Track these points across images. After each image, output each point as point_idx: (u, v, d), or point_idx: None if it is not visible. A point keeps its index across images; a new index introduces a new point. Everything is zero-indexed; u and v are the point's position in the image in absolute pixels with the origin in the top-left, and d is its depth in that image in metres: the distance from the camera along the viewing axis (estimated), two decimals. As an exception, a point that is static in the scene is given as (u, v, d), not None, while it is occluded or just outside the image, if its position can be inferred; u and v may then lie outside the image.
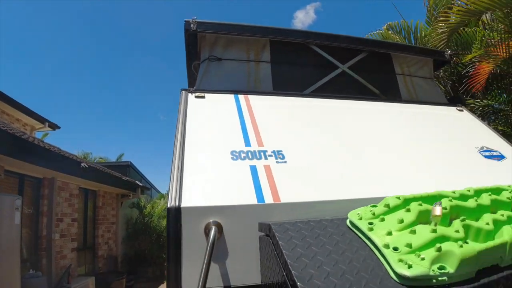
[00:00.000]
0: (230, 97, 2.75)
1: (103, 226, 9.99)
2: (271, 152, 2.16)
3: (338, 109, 2.89)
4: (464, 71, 5.17)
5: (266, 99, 2.82)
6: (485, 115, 5.38)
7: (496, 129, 5.59)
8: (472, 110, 5.10)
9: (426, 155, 2.56)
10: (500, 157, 2.81)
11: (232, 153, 2.13)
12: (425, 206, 1.51)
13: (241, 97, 2.76)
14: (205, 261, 1.55)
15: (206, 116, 2.53)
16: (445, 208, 1.53)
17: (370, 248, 1.40)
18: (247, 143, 2.23)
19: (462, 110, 3.46)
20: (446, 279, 1.22)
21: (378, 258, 1.34)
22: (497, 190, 1.86)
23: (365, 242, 1.44)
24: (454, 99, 3.76)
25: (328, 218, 1.65)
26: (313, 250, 1.39)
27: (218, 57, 3.17)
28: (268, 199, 1.84)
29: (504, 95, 4.88)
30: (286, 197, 1.86)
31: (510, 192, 1.84)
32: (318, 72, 3.32)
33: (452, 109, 3.45)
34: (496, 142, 3.05)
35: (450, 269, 1.23)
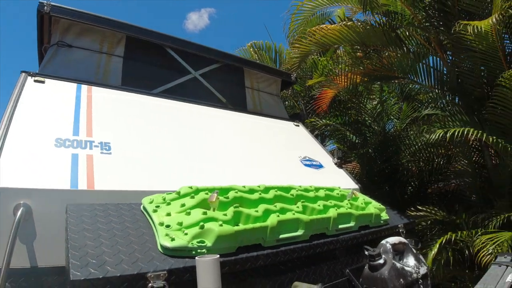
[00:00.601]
0: (72, 85, 2.72)
1: None
2: (98, 143, 2.22)
3: (182, 111, 3.07)
4: (312, 93, 5.95)
5: (111, 93, 2.85)
6: (332, 133, 6.25)
7: (334, 145, 6.53)
8: (315, 128, 5.88)
9: (252, 158, 2.89)
10: (319, 166, 3.31)
11: (57, 140, 2.13)
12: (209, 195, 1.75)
13: (84, 87, 2.75)
14: (9, 242, 1.56)
15: (41, 101, 2.46)
16: (227, 197, 1.79)
17: (151, 226, 1.58)
18: (76, 132, 2.25)
19: (298, 126, 3.97)
20: (205, 251, 1.45)
21: (154, 234, 1.52)
22: (287, 188, 2.22)
23: (149, 222, 1.62)
24: (295, 116, 4.29)
25: (126, 203, 1.79)
26: (97, 227, 1.51)
27: (69, 44, 3.10)
28: (82, 185, 1.89)
29: (341, 117, 5.72)
30: (100, 185, 1.94)
31: (297, 191, 2.21)
32: (170, 74, 3.47)
33: (290, 124, 3.94)
34: (320, 154, 3.57)
35: (208, 243, 1.47)
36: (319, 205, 2.06)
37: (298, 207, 1.95)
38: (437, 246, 3.82)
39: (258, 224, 1.66)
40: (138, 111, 2.82)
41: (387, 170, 5.49)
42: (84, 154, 2.10)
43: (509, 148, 3.46)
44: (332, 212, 2.06)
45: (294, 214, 1.84)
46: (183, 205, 1.66)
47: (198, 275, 1.03)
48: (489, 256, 3.32)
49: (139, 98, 2.97)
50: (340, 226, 2.12)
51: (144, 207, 1.72)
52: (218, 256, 1.07)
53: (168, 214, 1.59)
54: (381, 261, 2.01)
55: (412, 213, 4.38)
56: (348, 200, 2.41)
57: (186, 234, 1.46)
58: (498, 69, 3.83)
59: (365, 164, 5.56)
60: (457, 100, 4.74)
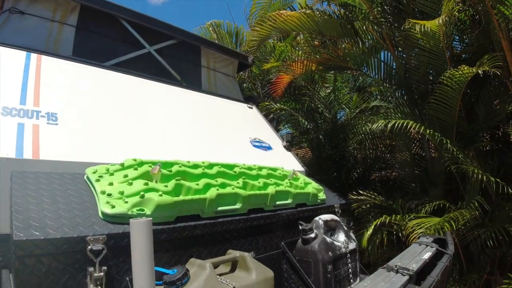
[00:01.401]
0: (22, 54, 2.66)
1: None
2: (45, 113, 2.22)
3: (134, 86, 3.07)
4: (268, 77, 6.11)
5: (61, 63, 2.80)
6: (286, 118, 6.44)
7: (287, 131, 6.76)
8: (270, 111, 6.04)
9: (202, 136, 2.98)
10: (268, 148, 3.45)
11: (3, 108, 2.11)
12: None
13: (33, 55, 2.69)
14: None
15: None
16: (170, 171, 1.89)
17: (93, 195, 1.65)
18: (23, 101, 2.24)
19: (252, 108, 4.09)
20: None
21: (96, 202, 1.60)
22: (230, 166, 2.34)
23: (92, 191, 1.69)
24: (249, 98, 4.40)
25: (71, 172, 1.84)
26: (41, 193, 1.57)
27: (21, 10, 2.99)
28: (27, 154, 1.91)
29: (295, 103, 5.91)
30: (46, 155, 1.96)
31: (240, 168, 2.35)
32: (124, 47, 3.44)
33: (244, 106, 4.05)
34: (271, 137, 3.72)
35: (148, 211, 1.57)
36: (259, 182, 2.21)
37: (238, 183, 2.09)
38: (372, 227, 4.13)
39: (197, 196, 1.78)
40: (88, 83, 2.80)
41: (335, 156, 5.79)
42: (30, 124, 2.10)
43: (445, 141, 3.73)
44: (270, 189, 2.21)
45: (233, 189, 1.97)
46: (125, 176, 1.73)
47: (131, 236, 1.12)
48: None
49: (90, 70, 2.93)
50: (277, 203, 2.29)
51: (87, 177, 1.78)
52: (151, 218, 1.17)
53: (111, 184, 1.66)
54: (313, 235, 2.20)
55: (354, 197, 4.67)
56: (289, 180, 2.58)
57: (126, 202, 1.55)
58: (442, 68, 4.09)
59: (315, 150, 5.82)
60: (403, 94, 5.04)
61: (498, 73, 3.56)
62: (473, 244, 3.91)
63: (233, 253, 1.80)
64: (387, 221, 4.12)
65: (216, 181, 1.99)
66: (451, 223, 3.45)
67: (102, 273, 1.40)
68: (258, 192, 2.13)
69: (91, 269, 1.38)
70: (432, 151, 4.93)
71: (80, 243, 1.37)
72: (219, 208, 1.88)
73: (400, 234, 4.31)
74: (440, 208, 3.96)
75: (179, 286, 1.41)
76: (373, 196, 4.71)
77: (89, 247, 1.38)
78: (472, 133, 4.26)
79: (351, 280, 2.38)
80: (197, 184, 1.86)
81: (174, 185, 1.75)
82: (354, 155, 6.01)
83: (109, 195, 1.58)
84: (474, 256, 4.05)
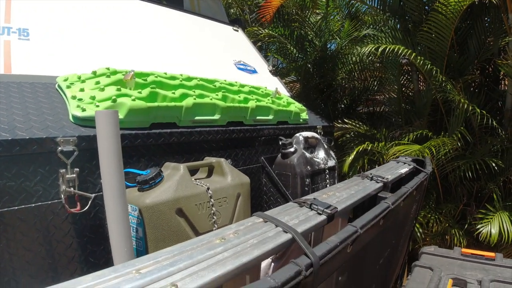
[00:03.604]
0: None
1: None
2: (16, 29, 2.13)
3: (111, 2, 2.89)
4: (256, 1, 5.80)
5: None
6: (275, 45, 6.19)
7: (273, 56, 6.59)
8: (258, 38, 5.81)
9: (182, 54, 2.86)
10: (252, 71, 3.36)
11: None
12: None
13: None
14: None
15: None
16: (145, 80, 1.83)
17: (64, 101, 1.60)
18: None
19: (237, 31, 3.92)
20: (118, 122, 1.52)
21: (67, 108, 1.55)
22: (210, 80, 2.28)
23: (63, 98, 1.64)
24: (235, 21, 4.19)
25: (42, 82, 1.77)
26: (11, 100, 1.53)
27: None
28: None
29: (284, 29, 5.67)
30: (18, 70, 1.89)
31: (220, 83, 2.29)
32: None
33: (229, 28, 3.87)
34: (256, 61, 3.61)
35: (120, 115, 1.53)
36: (239, 97, 2.17)
37: (217, 95, 2.04)
38: (354, 153, 4.20)
39: (172, 103, 1.74)
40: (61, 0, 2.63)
41: (323, 86, 5.71)
42: (2, 40, 2.02)
43: (434, 71, 3.67)
44: (251, 103, 2.18)
45: (211, 99, 1.93)
46: (97, 82, 1.68)
47: (97, 127, 1.09)
48: (398, 165, 3.69)
49: None
50: (258, 117, 2.26)
51: (58, 85, 1.72)
52: (117, 110, 1.13)
53: (82, 90, 1.61)
54: (292, 149, 2.22)
55: (339, 125, 4.69)
56: (271, 97, 2.54)
57: (97, 106, 1.51)
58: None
59: (302, 79, 5.70)
60: (397, 22, 4.86)
61: (494, 1, 3.42)
62: (451, 175, 4.00)
63: (209, 159, 1.81)
64: (369, 148, 4.18)
65: (194, 91, 1.94)
66: (432, 150, 3.50)
67: (74, 175, 1.40)
68: (237, 104, 2.09)
69: (62, 170, 1.37)
70: (421, 83, 4.88)
71: (50, 144, 1.35)
72: (196, 118, 1.85)
73: (381, 161, 4.37)
74: (423, 137, 4.00)
75: (152, 186, 1.42)
76: (357, 126, 4.74)
77: (60, 148, 1.36)
78: (462, 66, 4.19)
79: (329, 194, 2.44)
80: (173, 93, 1.81)
81: (148, 92, 1.71)
82: (342, 85, 5.93)
83: (80, 99, 1.54)
84: (452, 187, 4.16)
